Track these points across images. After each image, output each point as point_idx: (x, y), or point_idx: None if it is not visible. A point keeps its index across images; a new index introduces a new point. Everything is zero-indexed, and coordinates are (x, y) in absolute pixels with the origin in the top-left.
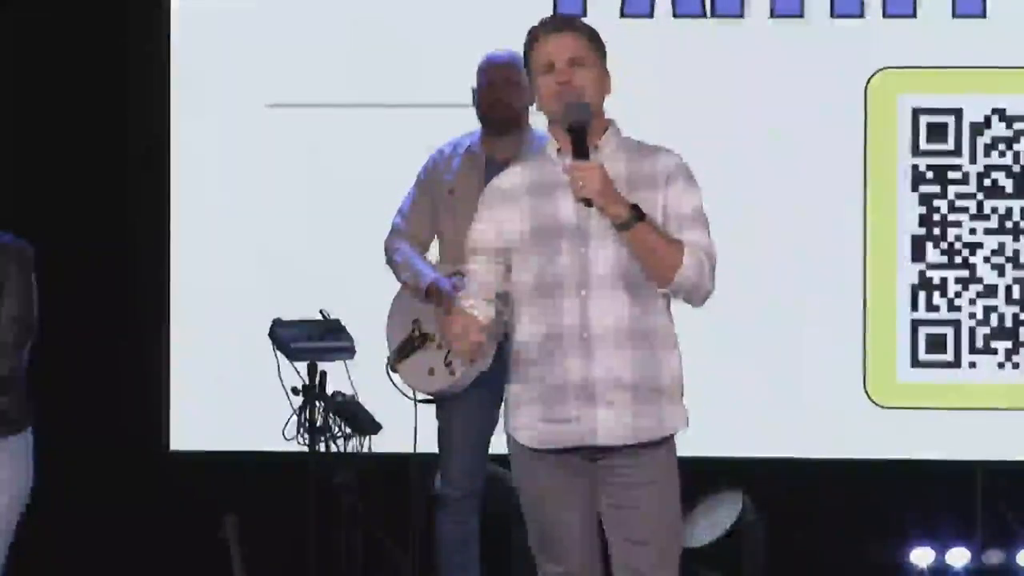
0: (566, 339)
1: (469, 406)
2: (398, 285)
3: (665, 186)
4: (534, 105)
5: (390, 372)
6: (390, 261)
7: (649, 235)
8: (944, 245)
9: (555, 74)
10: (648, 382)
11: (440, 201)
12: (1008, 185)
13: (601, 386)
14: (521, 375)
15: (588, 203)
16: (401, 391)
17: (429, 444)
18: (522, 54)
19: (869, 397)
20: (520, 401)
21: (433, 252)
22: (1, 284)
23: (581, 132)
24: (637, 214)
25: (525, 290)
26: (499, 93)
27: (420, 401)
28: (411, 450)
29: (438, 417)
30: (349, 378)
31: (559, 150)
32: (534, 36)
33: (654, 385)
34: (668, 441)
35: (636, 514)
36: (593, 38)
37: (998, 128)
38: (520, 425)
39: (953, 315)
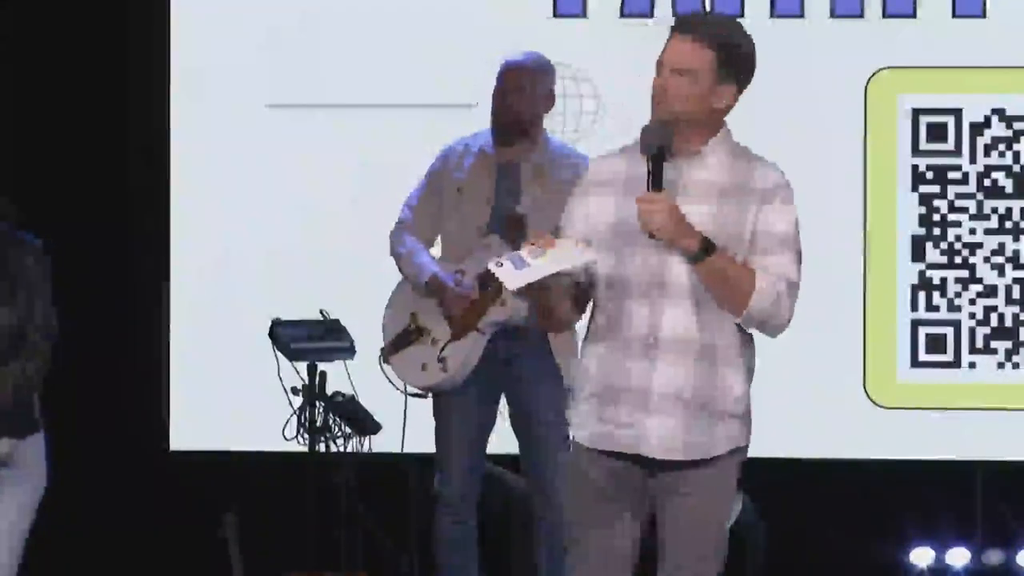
0: (631, 343)
1: (467, 404)
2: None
3: (760, 202)
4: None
5: (382, 363)
6: (394, 252)
7: (720, 267)
8: (944, 245)
9: (659, 78)
10: (705, 398)
11: (448, 198)
12: (1008, 185)
13: (658, 396)
14: (585, 368)
15: (653, 236)
16: (392, 383)
17: (424, 442)
18: (542, 58)
19: (869, 397)
20: (579, 396)
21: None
22: (15, 277)
23: (658, 161)
24: (706, 247)
25: (599, 283)
26: (505, 98)
27: (410, 395)
28: (399, 446)
29: (435, 415)
30: (349, 378)
31: None
32: (671, 29)
33: (711, 402)
34: (722, 459)
35: (679, 527)
36: (723, 48)
37: (998, 128)
38: (577, 422)
39: (953, 315)
